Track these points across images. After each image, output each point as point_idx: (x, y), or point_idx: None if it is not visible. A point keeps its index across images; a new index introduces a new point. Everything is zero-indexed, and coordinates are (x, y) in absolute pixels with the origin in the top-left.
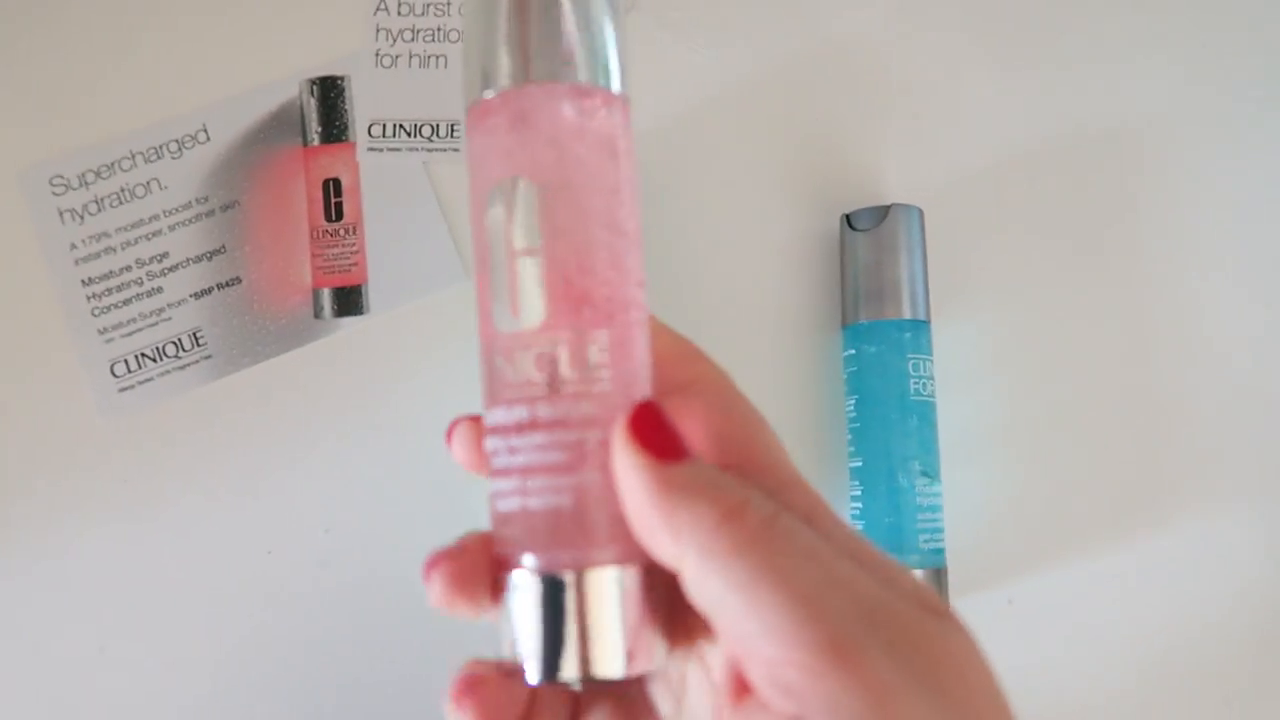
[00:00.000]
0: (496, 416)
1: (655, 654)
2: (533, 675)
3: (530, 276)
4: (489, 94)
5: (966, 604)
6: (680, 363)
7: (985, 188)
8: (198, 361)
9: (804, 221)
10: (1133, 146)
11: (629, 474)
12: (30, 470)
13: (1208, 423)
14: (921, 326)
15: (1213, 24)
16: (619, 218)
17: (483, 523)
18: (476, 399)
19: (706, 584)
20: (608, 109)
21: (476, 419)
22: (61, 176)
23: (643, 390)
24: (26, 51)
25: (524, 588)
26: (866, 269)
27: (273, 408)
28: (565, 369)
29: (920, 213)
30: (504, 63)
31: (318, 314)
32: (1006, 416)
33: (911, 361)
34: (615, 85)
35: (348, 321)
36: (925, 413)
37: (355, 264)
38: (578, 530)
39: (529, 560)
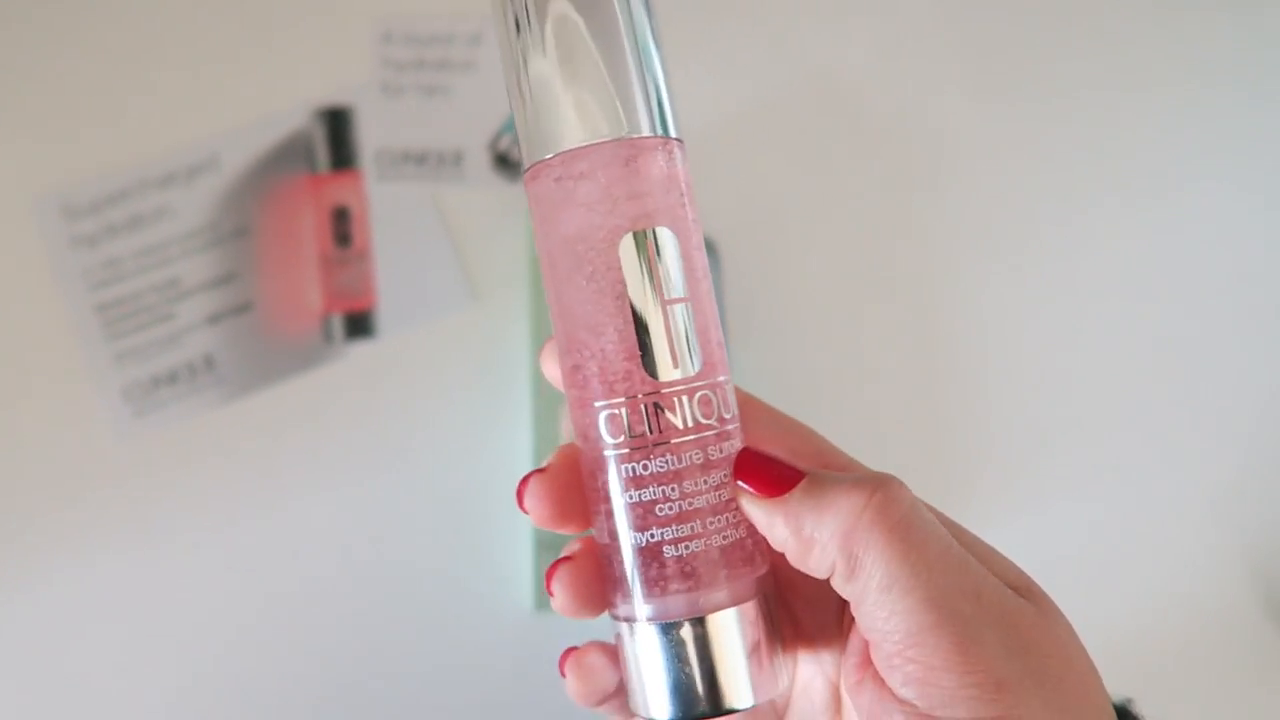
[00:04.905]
0: (662, 464)
1: (781, 680)
2: (663, 714)
3: (686, 324)
4: (584, 142)
5: None
6: None
7: (772, 216)
8: (211, 385)
9: None
10: (917, 154)
11: (766, 515)
12: (47, 493)
13: (993, 427)
14: None
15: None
16: (702, 263)
17: (489, 540)
18: (482, 418)
19: (854, 577)
20: (679, 156)
21: (545, 470)
22: (73, 204)
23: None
24: (39, 81)
25: (650, 637)
26: None
27: (285, 430)
28: (721, 410)
29: (711, 244)
30: (607, 112)
31: (328, 338)
32: None
33: None
34: (675, 131)
35: (357, 345)
36: None
37: (364, 289)
38: (743, 561)
39: (650, 610)
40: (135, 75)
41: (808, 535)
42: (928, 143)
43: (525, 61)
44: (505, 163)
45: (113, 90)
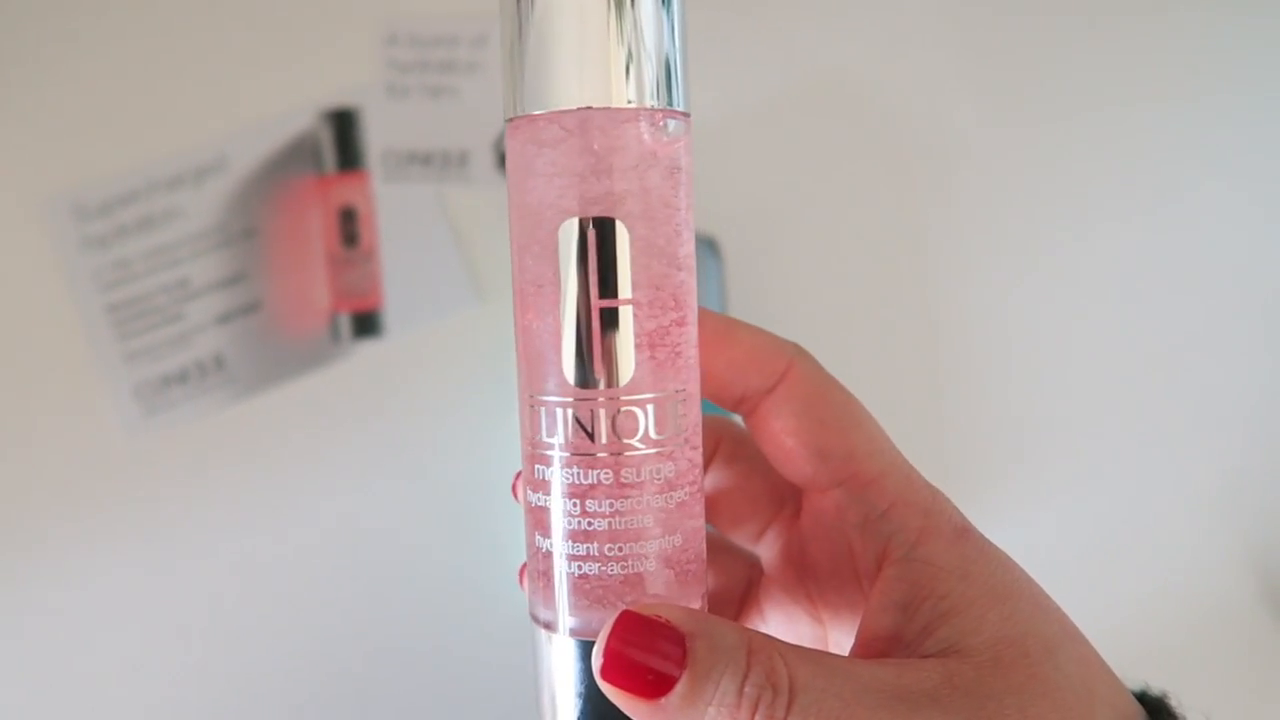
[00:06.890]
0: (571, 476)
1: None
2: None
3: (618, 332)
4: (553, 107)
5: None
6: (766, 361)
7: (776, 215)
8: (221, 385)
9: None
10: (921, 154)
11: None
12: (59, 492)
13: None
14: None
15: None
16: (684, 253)
17: (496, 538)
18: (488, 416)
19: None
20: (676, 130)
21: None
22: (84, 205)
23: (697, 433)
24: (49, 83)
25: (570, 653)
26: None
27: (293, 428)
28: (651, 429)
29: (713, 242)
30: (578, 76)
31: (335, 337)
32: None
33: None
34: (682, 102)
35: (365, 344)
36: None
37: (371, 289)
38: (644, 592)
39: (572, 622)
40: (144, 77)
41: None
42: (931, 142)
43: (517, 2)
44: None
45: (122, 92)
